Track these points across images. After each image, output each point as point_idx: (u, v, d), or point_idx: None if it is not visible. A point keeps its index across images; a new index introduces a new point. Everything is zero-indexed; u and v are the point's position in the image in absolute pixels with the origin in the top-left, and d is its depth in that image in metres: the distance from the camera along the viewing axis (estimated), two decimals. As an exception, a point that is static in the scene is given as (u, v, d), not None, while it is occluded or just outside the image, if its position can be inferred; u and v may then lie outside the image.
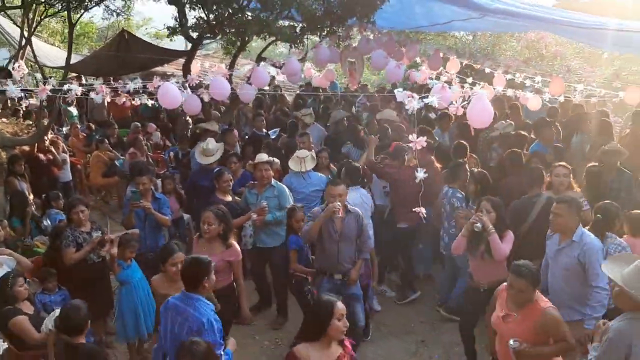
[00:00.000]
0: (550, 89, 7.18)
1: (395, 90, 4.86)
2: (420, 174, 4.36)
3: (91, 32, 18.61)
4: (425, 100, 4.14)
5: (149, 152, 10.84)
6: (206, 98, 7.58)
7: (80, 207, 5.57)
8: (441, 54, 9.53)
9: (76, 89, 5.49)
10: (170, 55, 12.94)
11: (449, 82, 6.98)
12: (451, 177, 6.18)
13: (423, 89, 10.91)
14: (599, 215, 4.91)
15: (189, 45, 17.04)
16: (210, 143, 7.23)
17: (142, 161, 8.50)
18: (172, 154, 10.37)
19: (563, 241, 4.66)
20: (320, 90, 11.97)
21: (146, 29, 23.70)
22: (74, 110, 13.59)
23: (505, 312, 3.98)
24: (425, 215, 4.82)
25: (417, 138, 4.41)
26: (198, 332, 3.63)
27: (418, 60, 10.25)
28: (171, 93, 5.88)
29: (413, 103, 4.05)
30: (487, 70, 10.05)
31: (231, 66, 9.20)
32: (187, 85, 6.33)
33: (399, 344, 6.03)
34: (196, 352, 3.36)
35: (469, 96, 4.48)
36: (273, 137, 9.79)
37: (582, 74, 11.01)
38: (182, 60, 16.92)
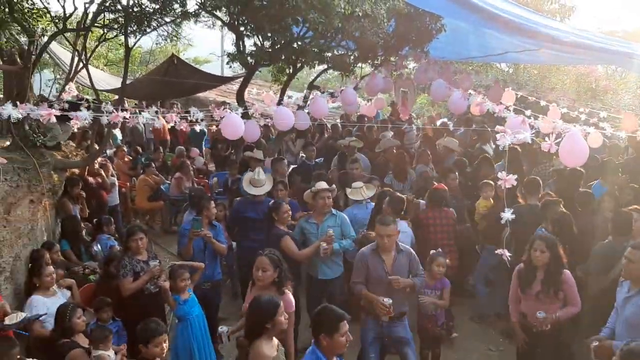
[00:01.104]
0: (624, 124, 6.82)
1: (444, 121, 4.65)
2: (508, 215, 4.06)
3: (135, 57, 18.87)
4: (518, 136, 3.89)
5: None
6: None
7: (139, 235, 5.44)
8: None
9: (148, 117, 5.42)
10: (217, 81, 12.96)
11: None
12: (542, 216, 5.84)
13: (469, 122, 10.72)
14: None
15: (225, 72, 17.30)
16: (260, 173, 6.99)
17: (201, 188, 8.41)
18: (215, 179, 10.27)
19: (632, 289, 4.33)
20: (365, 120, 11.79)
21: (184, 54, 24.01)
22: (118, 134, 13.65)
23: None
24: (509, 258, 4.49)
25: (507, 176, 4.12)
26: None
27: (471, 91, 10.01)
28: (235, 124, 5.77)
29: (506, 138, 3.81)
30: (543, 103, 9.74)
31: (282, 94, 9.12)
32: (251, 114, 6.21)
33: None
34: None
35: (561, 133, 4.20)
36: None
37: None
38: (223, 87, 17.18)
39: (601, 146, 7.58)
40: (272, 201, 6.42)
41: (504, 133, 3.84)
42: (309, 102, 7.70)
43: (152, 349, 4.07)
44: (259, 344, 3.60)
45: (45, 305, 4.96)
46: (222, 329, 4.62)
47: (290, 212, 6.14)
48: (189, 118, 6.20)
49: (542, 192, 7.20)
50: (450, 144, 9.07)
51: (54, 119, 5.17)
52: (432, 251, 5.64)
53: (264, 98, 10.16)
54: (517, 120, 4.65)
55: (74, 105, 6.47)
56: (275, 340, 3.74)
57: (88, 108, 5.65)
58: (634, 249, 4.37)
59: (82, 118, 5.14)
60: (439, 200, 6.79)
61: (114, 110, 5.54)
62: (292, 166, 8.85)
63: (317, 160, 9.83)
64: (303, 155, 9.87)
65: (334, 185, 6.71)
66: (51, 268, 5.20)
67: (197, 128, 8.69)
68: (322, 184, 6.27)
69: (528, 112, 7.80)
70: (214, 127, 10.41)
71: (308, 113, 7.78)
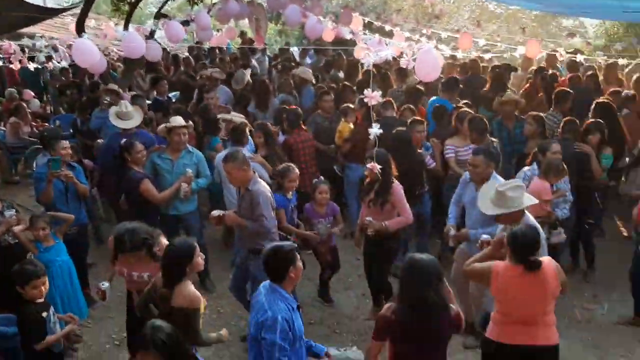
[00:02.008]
0: (460, 43, 7.41)
1: (293, 49, 4.75)
2: (375, 130, 4.24)
3: None
4: (381, 54, 4.07)
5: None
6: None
7: (-13, 185, 4.91)
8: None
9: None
10: (49, 13, 11.57)
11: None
12: None
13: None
14: None
15: (48, 3, 15.49)
16: (127, 106, 6.56)
17: (54, 127, 7.68)
18: (58, 122, 9.46)
19: (479, 189, 4.82)
20: (217, 51, 11.46)
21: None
22: None
23: None
24: (379, 171, 4.71)
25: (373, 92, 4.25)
26: (260, 325, 3.26)
27: (321, 17, 10.14)
28: (89, 49, 5.26)
29: (370, 57, 3.95)
30: (388, 27, 10.18)
31: (126, 24, 8.51)
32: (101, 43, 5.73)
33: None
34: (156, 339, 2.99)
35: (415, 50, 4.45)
36: (174, 100, 9.30)
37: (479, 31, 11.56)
38: (50, 21, 15.44)
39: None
40: (124, 140, 5.94)
41: (368, 51, 4.00)
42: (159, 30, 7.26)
43: (30, 291, 3.98)
44: (187, 286, 3.54)
45: None
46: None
47: (144, 152, 5.76)
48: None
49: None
50: (305, 74, 9.20)
51: None
52: (314, 180, 5.78)
53: (105, 29, 9.37)
54: (374, 40, 4.83)
55: None
56: None
57: None
58: (474, 155, 4.93)
59: None
60: (294, 120, 6.89)
61: None
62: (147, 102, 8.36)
63: (169, 95, 9.43)
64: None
65: (190, 122, 6.49)
66: None
67: (32, 67, 7.83)
68: (178, 119, 5.98)
69: (376, 36, 8.18)
70: (50, 64, 9.52)
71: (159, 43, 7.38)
